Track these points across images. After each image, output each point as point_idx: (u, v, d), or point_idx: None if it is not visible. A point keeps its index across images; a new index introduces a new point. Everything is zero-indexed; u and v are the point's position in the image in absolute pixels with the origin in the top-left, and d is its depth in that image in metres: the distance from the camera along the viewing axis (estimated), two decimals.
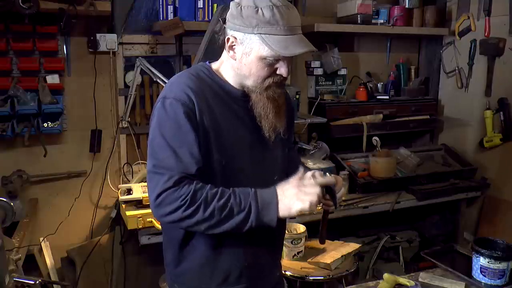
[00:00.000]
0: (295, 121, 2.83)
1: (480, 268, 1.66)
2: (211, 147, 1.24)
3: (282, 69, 1.25)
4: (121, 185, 2.66)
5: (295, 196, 1.18)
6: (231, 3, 1.25)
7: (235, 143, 1.28)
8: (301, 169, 1.27)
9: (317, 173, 1.25)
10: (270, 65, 1.24)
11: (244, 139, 1.31)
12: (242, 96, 1.31)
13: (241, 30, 1.22)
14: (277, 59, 1.23)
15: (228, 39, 1.26)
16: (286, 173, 1.43)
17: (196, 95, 1.23)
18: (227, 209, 1.16)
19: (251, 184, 1.23)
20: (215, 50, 1.38)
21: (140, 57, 2.63)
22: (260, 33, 1.19)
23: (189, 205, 1.14)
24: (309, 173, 1.26)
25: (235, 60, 1.27)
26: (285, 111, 1.35)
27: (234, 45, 1.25)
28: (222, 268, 1.33)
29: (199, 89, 1.25)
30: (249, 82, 1.27)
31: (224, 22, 1.27)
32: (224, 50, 1.30)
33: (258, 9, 1.19)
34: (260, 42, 1.20)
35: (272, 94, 1.27)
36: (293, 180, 1.22)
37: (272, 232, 1.39)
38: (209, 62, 1.37)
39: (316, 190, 1.19)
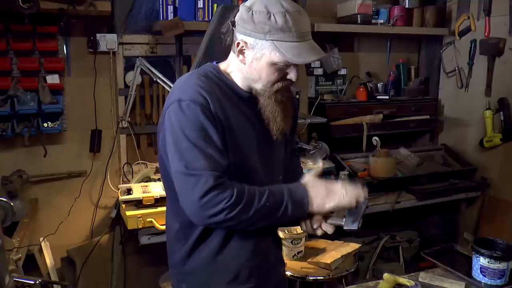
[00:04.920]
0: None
1: (480, 268, 1.66)
2: (227, 146, 1.24)
3: (292, 74, 1.26)
4: (121, 185, 2.66)
5: (326, 197, 1.26)
6: (241, 7, 1.24)
7: (245, 143, 1.29)
8: (319, 164, 1.33)
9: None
10: (280, 70, 1.24)
11: (252, 140, 1.31)
12: (250, 98, 1.31)
13: (252, 36, 1.21)
14: (287, 65, 1.23)
15: (238, 43, 1.25)
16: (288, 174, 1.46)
17: (209, 95, 1.23)
18: (267, 209, 1.20)
19: (263, 184, 1.25)
20: (215, 50, 1.37)
21: (140, 57, 2.63)
22: (273, 40, 1.19)
23: (232, 208, 1.16)
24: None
25: (245, 64, 1.27)
26: (292, 113, 1.36)
27: (244, 49, 1.25)
28: (232, 266, 1.34)
29: (210, 89, 1.25)
30: (258, 86, 1.28)
31: (233, 25, 1.26)
32: (232, 51, 1.30)
33: (270, 15, 1.18)
34: (272, 49, 1.20)
35: (280, 98, 1.28)
36: (321, 181, 1.29)
37: (276, 230, 1.46)
38: (217, 63, 1.36)
39: (344, 192, 1.26)
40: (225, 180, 1.18)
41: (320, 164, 1.37)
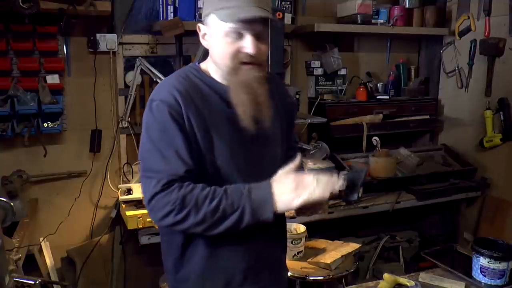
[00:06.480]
0: (295, 121, 2.84)
1: (480, 268, 1.66)
2: (201, 148, 1.22)
3: (246, 45, 1.21)
4: (121, 185, 2.67)
5: (294, 191, 1.16)
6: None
7: (228, 144, 1.26)
8: (297, 157, 1.25)
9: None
10: (234, 42, 1.21)
11: (238, 139, 1.28)
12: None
13: (205, 17, 1.25)
14: (239, 35, 1.21)
15: (199, 28, 1.28)
16: None
17: (182, 97, 1.22)
18: (219, 211, 1.15)
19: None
20: None
21: (140, 57, 2.64)
22: (216, 10, 1.20)
23: (179, 210, 1.14)
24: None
25: (208, 48, 1.28)
26: (269, 100, 1.29)
27: (205, 33, 1.27)
28: (224, 271, 1.32)
29: (186, 90, 1.24)
30: (223, 68, 1.26)
31: (200, 17, 1.30)
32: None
33: None
34: (217, 19, 1.21)
35: (245, 78, 1.23)
36: (290, 174, 1.19)
37: (274, 231, 1.40)
38: (199, 63, 1.36)
39: (315, 184, 1.15)
40: (177, 183, 1.15)
41: (297, 159, 1.26)
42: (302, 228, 2.30)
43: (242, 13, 1.18)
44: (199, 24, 1.28)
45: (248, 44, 1.21)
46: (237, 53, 1.22)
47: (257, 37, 1.22)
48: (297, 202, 1.15)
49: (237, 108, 1.24)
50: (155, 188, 1.15)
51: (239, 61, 1.23)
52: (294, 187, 1.16)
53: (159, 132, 1.20)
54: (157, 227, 2.27)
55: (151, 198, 1.16)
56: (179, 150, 1.18)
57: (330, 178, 1.18)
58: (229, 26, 1.19)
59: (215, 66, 1.29)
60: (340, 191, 1.21)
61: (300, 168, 1.26)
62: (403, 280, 1.67)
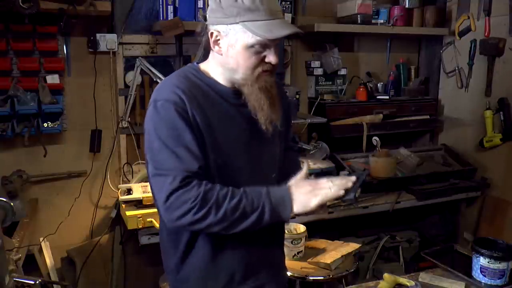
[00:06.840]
0: (295, 121, 2.85)
1: (480, 268, 1.66)
2: (206, 146, 1.23)
3: (270, 57, 1.23)
4: (121, 185, 2.66)
5: (311, 192, 1.20)
6: None
7: (229, 142, 1.27)
8: (305, 166, 1.28)
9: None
10: (257, 53, 1.22)
11: (239, 138, 1.29)
12: (233, 94, 1.29)
13: (223, 22, 1.21)
14: (263, 47, 1.21)
15: (212, 33, 1.24)
16: (285, 172, 1.41)
17: (186, 95, 1.22)
18: (239, 210, 1.15)
19: (250, 183, 1.22)
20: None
21: (140, 57, 2.64)
22: (243, 21, 1.18)
23: (200, 207, 1.13)
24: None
25: (222, 54, 1.25)
26: (279, 102, 1.32)
27: (219, 39, 1.24)
28: (225, 270, 1.32)
29: (188, 89, 1.24)
30: (238, 75, 1.25)
31: (205, 19, 1.26)
32: (211, 50, 1.29)
33: None
34: (244, 30, 1.18)
35: (264, 84, 1.25)
36: (306, 180, 1.24)
37: (274, 230, 1.41)
38: (197, 63, 1.35)
39: (330, 184, 1.21)
40: (193, 180, 1.15)
41: (305, 166, 1.30)
42: (302, 228, 2.30)
43: (276, 29, 1.18)
44: (216, 29, 1.23)
45: (271, 55, 1.23)
46: (260, 63, 1.23)
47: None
48: (314, 202, 1.19)
49: (257, 113, 1.26)
50: (172, 184, 1.13)
51: (262, 70, 1.24)
52: (311, 189, 1.21)
53: (167, 130, 1.19)
54: (158, 227, 2.27)
55: (169, 195, 1.13)
56: (190, 146, 1.18)
57: (343, 178, 1.24)
58: (257, 38, 1.19)
59: (221, 69, 1.28)
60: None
61: (308, 176, 1.30)
62: (403, 280, 1.67)
